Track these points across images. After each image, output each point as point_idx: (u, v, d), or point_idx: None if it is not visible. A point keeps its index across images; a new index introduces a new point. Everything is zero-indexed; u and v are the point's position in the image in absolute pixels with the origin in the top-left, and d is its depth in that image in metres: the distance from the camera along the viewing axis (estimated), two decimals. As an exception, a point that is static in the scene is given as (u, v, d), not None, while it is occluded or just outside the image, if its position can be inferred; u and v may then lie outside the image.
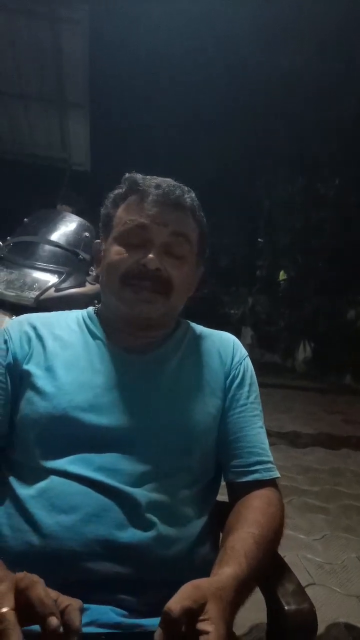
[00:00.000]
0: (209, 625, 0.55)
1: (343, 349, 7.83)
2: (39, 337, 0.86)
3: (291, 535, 2.30)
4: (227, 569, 0.66)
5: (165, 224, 0.83)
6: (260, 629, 1.52)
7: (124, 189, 0.87)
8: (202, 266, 0.96)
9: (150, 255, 0.81)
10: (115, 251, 0.85)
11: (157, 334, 0.90)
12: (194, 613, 0.56)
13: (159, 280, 0.82)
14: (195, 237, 0.88)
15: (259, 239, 9.59)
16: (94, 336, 0.89)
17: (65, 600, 0.54)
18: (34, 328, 0.88)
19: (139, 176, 0.87)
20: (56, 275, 1.99)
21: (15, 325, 0.89)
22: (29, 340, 0.86)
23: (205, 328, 1.00)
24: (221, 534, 0.83)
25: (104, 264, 0.88)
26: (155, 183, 0.85)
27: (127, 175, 0.88)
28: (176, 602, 0.55)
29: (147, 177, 0.87)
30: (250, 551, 0.70)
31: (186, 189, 0.88)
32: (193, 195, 0.88)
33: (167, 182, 0.86)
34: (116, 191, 0.88)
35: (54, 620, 0.51)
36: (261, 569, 0.72)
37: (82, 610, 0.55)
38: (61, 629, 0.51)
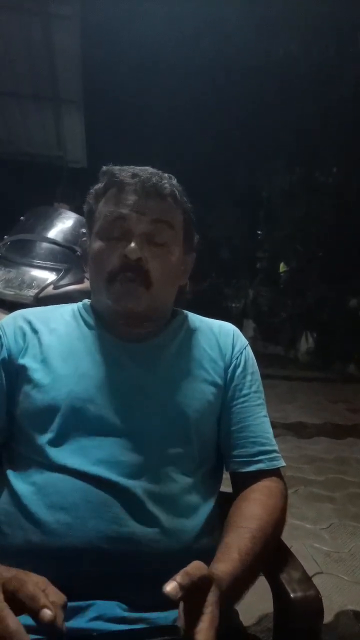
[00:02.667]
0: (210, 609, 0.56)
1: (346, 338, 7.81)
2: (34, 331, 0.86)
3: (298, 525, 2.30)
4: (221, 565, 0.66)
5: (144, 212, 0.81)
6: (269, 619, 1.53)
7: (103, 183, 0.86)
8: (194, 252, 0.94)
9: (131, 245, 0.80)
10: (97, 246, 0.84)
11: (151, 324, 0.89)
12: (202, 587, 0.57)
13: (141, 271, 0.81)
14: (178, 223, 0.86)
15: (259, 231, 9.55)
16: (89, 327, 0.88)
17: (50, 595, 0.55)
18: (29, 322, 0.88)
19: (116, 168, 0.85)
20: (54, 273, 1.98)
21: (9, 320, 0.89)
22: (24, 334, 0.86)
23: (204, 317, 0.99)
24: None
25: (89, 261, 0.87)
26: (132, 172, 0.83)
27: (104, 168, 0.86)
28: (196, 569, 0.56)
29: (125, 167, 0.85)
30: (245, 547, 0.70)
31: (166, 175, 0.86)
32: (174, 181, 0.86)
33: (144, 170, 0.85)
34: (96, 186, 0.87)
35: (47, 613, 0.51)
36: (259, 564, 0.72)
37: (65, 607, 0.55)
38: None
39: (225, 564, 0.67)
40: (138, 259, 0.80)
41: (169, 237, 0.84)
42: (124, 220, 0.82)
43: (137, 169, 0.85)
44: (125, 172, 0.84)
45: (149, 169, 0.85)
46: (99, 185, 0.87)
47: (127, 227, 0.82)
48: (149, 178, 0.82)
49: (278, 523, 0.78)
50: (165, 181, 0.84)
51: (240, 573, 0.67)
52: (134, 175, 0.83)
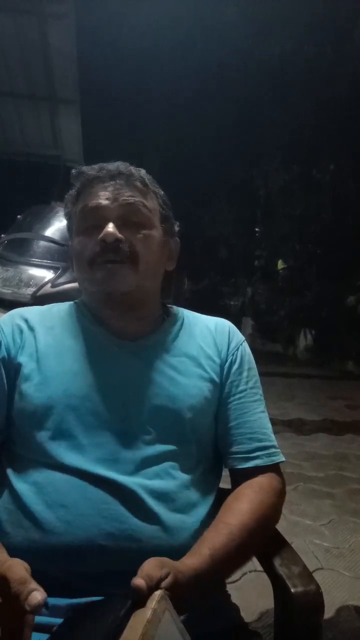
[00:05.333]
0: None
1: (344, 335, 7.83)
2: (31, 329, 0.86)
3: (298, 522, 2.31)
4: (188, 560, 0.67)
5: (115, 197, 0.82)
6: (269, 615, 1.53)
7: (76, 186, 0.87)
8: (177, 238, 0.94)
9: (108, 229, 0.80)
10: (77, 241, 0.85)
11: (143, 313, 0.88)
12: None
13: (121, 250, 0.81)
14: (153, 205, 0.87)
15: (256, 230, 9.55)
16: (85, 325, 0.88)
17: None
18: (26, 320, 0.87)
19: (84, 167, 0.87)
20: (52, 271, 1.99)
21: (6, 319, 0.89)
22: (21, 332, 0.86)
23: (200, 314, 0.98)
24: None
25: (74, 258, 0.87)
26: (99, 166, 0.85)
27: (73, 171, 0.87)
28: (148, 575, 0.58)
29: (94, 165, 0.87)
30: (219, 543, 0.70)
31: (134, 167, 0.87)
32: (143, 171, 0.88)
33: (111, 163, 0.86)
34: (71, 191, 0.88)
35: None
36: (236, 558, 0.73)
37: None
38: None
39: (192, 559, 0.67)
40: (116, 239, 0.80)
41: (145, 218, 0.85)
42: (98, 210, 0.82)
43: (105, 163, 0.86)
44: (92, 168, 0.85)
45: (117, 162, 0.87)
46: (73, 190, 0.87)
47: (102, 215, 0.82)
48: (116, 167, 0.84)
49: (266, 518, 0.78)
50: (132, 168, 0.86)
51: (206, 568, 0.67)
52: (100, 168, 0.84)
